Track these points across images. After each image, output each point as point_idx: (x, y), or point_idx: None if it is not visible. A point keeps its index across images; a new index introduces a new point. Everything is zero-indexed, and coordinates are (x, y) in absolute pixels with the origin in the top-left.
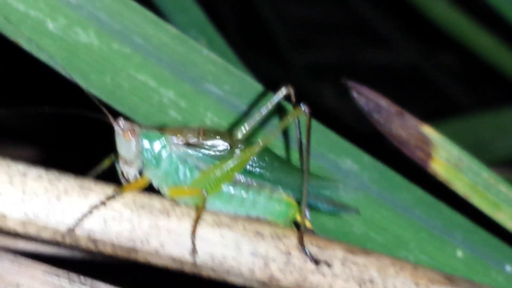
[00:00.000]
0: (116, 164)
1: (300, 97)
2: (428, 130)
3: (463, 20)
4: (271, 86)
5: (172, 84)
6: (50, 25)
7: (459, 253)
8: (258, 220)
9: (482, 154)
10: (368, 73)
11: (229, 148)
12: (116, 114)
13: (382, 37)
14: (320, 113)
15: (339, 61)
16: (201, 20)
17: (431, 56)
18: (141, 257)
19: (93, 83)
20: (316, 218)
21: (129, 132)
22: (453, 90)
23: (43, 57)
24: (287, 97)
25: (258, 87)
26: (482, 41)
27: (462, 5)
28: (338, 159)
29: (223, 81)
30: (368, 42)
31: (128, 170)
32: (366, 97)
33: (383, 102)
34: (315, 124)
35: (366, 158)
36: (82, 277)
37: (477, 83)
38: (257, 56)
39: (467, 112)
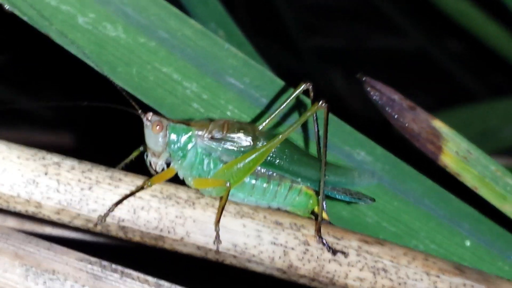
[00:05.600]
0: (144, 156)
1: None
2: (439, 124)
3: (471, 8)
4: (281, 72)
5: (195, 77)
6: (80, 20)
7: (467, 243)
8: (278, 210)
9: (490, 142)
10: (376, 59)
11: (251, 142)
12: (143, 106)
13: (391, 23)
14: (327, 97)
15: (348, 46)
16: (220, 13)
17: (439, 42)
18: (167, 245)
19: (120, 75)
20: (332, 207)
21: (157, 125)
22: (460, 76)
23: (73, 50)
24: (305, 92)
25: (276, 80)
26: (490, 29)
27: None
28: (353, 151)
29: (243, 74)
30: (377, 28)
31: (155, 162)
32: (379, 91)
33: (396, 97)
34: (330, 116)
35: (379, 150)
36: (113, 264)
37: (485, 70)
38: (266, 40)
39: (474, 98)
